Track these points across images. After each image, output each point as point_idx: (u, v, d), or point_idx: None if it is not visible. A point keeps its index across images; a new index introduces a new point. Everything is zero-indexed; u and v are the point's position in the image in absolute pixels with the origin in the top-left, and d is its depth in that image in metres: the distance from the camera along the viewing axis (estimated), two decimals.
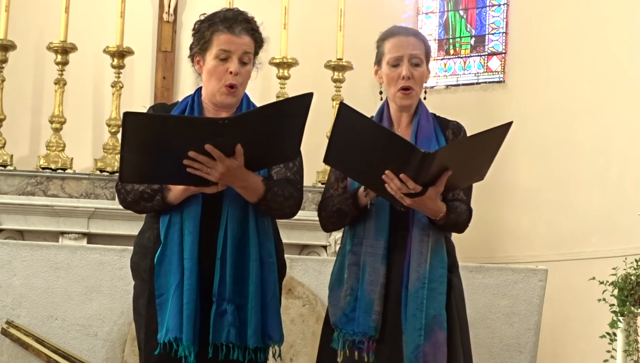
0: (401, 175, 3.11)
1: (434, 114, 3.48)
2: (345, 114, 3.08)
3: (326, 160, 3.25)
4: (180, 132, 2.99)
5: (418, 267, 3.26)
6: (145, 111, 3.37)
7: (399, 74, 3.37)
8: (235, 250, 3.15)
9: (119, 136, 3.20)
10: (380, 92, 3.47)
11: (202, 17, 3.30)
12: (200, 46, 3.26)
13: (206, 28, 3.25)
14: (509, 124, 3.20)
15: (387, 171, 3.12)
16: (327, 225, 3.44)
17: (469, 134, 3.34)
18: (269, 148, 3.12)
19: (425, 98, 3.48)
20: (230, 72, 3.21)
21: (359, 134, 3.11)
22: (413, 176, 3.10)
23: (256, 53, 3.31)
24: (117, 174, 3.24)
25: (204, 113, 3.28)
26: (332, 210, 3.38)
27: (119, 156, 3.27)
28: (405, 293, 3.27)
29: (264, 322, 3.17)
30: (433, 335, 3.22)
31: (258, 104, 3.40)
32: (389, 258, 3.30)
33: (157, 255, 3.16)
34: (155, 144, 2.99)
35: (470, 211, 3.39)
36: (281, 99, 3.10)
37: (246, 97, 3.34)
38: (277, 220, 3.37)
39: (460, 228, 3.37)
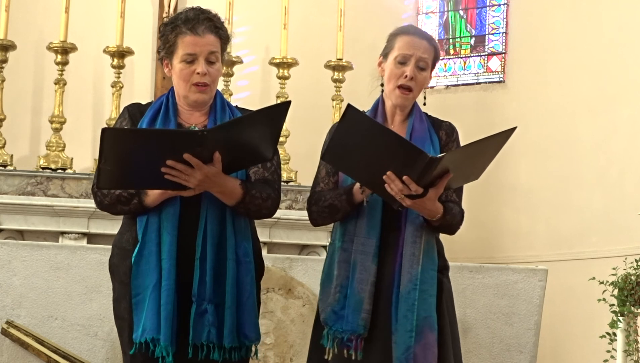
0: (404, 177, 3.12)
1: (426, 114, 3.49)
2: (351, 116, 3.08)
3: (324, 157, 3.25)
4: (158, 144, 3.01)
5: (410, 269, 3.27)
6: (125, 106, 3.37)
7: (403, 72, 3.36)
8: (215, 249, 3.15)
9: None
10: (382, 84, 3.46)
11: (166, 20, 3.30)
12: (166, 50, 3.25)
13: (170, 31, 3.23)
14: (513, 129, 3.22)
15: (388, 173, 3.13)
16: (317, 220, 3.42)
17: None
18: (246, 152, 3.13)
19: (425, 104, 3.48)
20: (198, 73, 3.20)
21: (363, 135, 3.11)
22: (415, 178, 3.12)
23: (223, 50, 3.28)
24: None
25: (178, 113, 3.27)
26: (323, 205, 3.36)
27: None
28: (396, 293, 3.27)
29: (239, 321, 3.17)
30: (424, 337, 3.23)
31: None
32: (380, 257, 3.30)
33: (134, 255, 3.15)
34: (133, 156, 3.00)
35: (462, 213, 3.41)
36: (260, 108, 3.10)
37: (219, 95, 3.33)
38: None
39: (454, 229, 3.39)
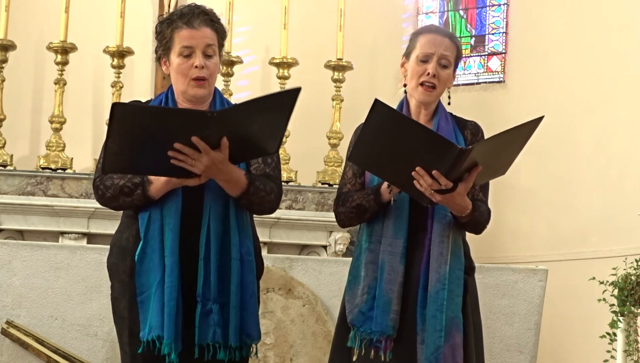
0: (433, 172, 3.10)
1: (451, 114, 3.48)
2: (380, 111, 3.06)
3: (350, 157, 3.25)
4: (167, 123, 2.98)
5: (438, 268, 3.26)
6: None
7: (425, 70, 3.35)
8: (218, 249, 3.14)
9: None
10: (405, 85, 3.45)
11: (161, 19, 3.29)
12: (163, 47, 3.24)
13: (166, 27, 3.22)
14: (540, 118, 3.22)
15: (417, 168, 3.11)
16: (345, 220, 3.41)
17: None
18: (252, 141, 3.11)
19: (449, 103, 3.47)
20: (196, 67, 3.18)
21: (391, 130, 3.09)
22: (445, 172, 3.11)
23: (221, 45, 3.27)
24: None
25: None
26: (351, 206, 3.34)
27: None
28: (422, 294, 3.26)
29: (243, 320, 3.16)
30: (451, 337, 3.22)
31: None
32: (407, 257, 3.29)
33: (137, 253, 3.13)
34: (141, 135, 2.97)
35: (489, 211, 3.41)
36: (270, 93, 3.08)
37: (218, 93, 3.32)
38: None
39: (481, 228, 3.38)
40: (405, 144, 3.11)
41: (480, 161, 3.15)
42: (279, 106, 3.06)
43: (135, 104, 3.21)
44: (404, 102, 3.45)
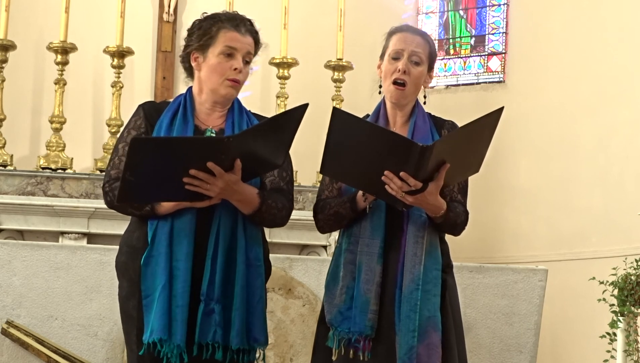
0: (401, 173, 3.11)
1: (429, 114, 3.49)
2: (339, 118, 3.10)
3: (323, 170, 3.26)
4: (186, 152, 3.03)
5: (412, 269, 3.27)
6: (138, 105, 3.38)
7: (396, 68, 3.37)
8: (225, 251, 3.17)
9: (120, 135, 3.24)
10: (380, 86, 3.47)
11: (204, 16, 3.32)
12: (202, 42, 3.27)
13: (211, 24, 3.27)
14: (501, 109, 3.22)
15: (386, 172, 3.13)
16: (324, 227, 3.44)
17: None
18: (262, 158, 3.16)
19: (425, 103, 3.48)
20: (235, 69, 3.24)
21: (354, 137, 3.12)
22: (412, 172, 3.11)
23: (254, 55, 3.34)
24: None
25: (196, 112, 3.29)
26: (329, 213, 3.37)
27: None
28: (398, 294, 3.27)
29: (249, 324, 3.18)
30: (427, 337, 3.23)
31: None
32: (385, 258, 3.30)
33: (144, 256, 3.16)
34: (158, 166, 3.02)
35: (467, 213, 3.40)
36: (280, 113, 3.14)
37: (237, 99, 3.36)
38: None
39: (458, 229, 3.38)
40: (370, 149, 3.13)
41: (448, 159, 3.15)
42: (289, 123, 3.12)
43: (156, 137, 3.22)
44: (382, 105, 3.47)
